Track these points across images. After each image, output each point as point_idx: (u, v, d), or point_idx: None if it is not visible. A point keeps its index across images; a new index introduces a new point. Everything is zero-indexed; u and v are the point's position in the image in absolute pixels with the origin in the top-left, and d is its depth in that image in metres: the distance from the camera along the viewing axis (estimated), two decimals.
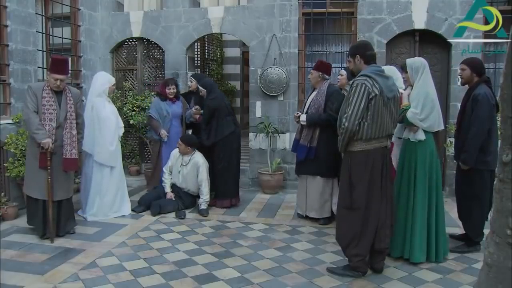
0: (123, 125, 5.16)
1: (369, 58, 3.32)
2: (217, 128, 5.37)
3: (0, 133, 4.84)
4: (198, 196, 5.37)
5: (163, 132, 5.57)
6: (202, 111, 5.48)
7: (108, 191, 4.93)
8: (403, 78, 3.80)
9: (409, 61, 3.73)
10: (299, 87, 6.43)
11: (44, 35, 6.01)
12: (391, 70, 4.06)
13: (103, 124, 4.83)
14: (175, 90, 5.67)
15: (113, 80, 5.04)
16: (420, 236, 3.58)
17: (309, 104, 4.80)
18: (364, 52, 3.31)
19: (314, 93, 4.84)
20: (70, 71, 5.66)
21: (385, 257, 3.51)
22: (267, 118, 6.28)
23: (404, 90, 3.85)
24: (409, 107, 3.57)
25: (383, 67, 3.52)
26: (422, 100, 3.56)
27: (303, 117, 4.73)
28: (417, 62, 3.67)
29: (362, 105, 3.14)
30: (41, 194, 4.14)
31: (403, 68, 3.75)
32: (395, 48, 6.25)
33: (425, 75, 3.64)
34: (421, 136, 3.59)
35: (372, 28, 6.09)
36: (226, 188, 5.46)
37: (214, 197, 5.47)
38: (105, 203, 4.93)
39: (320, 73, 4.77)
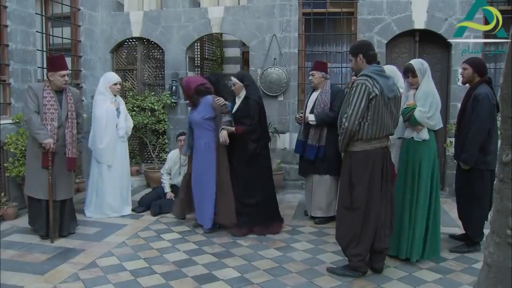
0: (125, 126, 5.07)
1: (371, 58, 3.32)
2: (261, 134, 4.42)
3: (0, 133, 4.84)
4: None
5: (184, 151, 4.85)
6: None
7: (107, 191, 4.94)
8: (408, 82, 3.76)
9: (416, 64, 3.65)
10: (299, 87, 6.43)
11: (44, 35, 6.02)
12: (391, 70, 4.05)
13: (96, 122, 4.93)
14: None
15: (112, 80, 5.00)
16: (418, 234, 3.59)
17: (314, 104, 4.77)
18: (366, 51, 3.31)
19: (316, 93, 4.82)
20: (69, 70, 5.66)
21: (385, 257, 3.50)
22: (267, 118, 6.26)
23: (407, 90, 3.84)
24: (415, 107, 3.57)
25: (383, 67, 3.51)
26: (430, 99, 3.57)
27: (311, 117, 4.70)
28: (424, 64, 3.67)
29: (362, 105, 3.14)
30: (44, 194, 4.14)
31: (410, 73, 3.67)
32: (395, 48, 6.25)
33: (429, 76, 3.65)
34: (425, 135, 3.59)
35: (372, 28, 6.09)
36: (272, 211, 4.58)
37: (247, 224, 4.40)
38: (104, 203, 4.96)
39: (323, 73, 4.79)
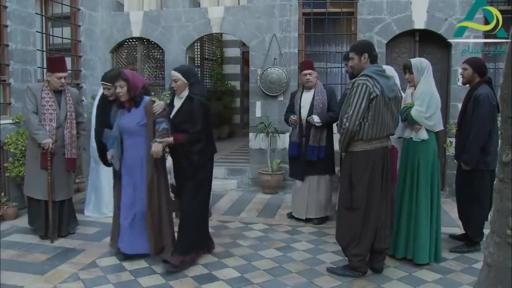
0: None
1: (374, 58, 3.34)
2: (206, 143, 3.58)
3: (0, 133, 4.84)
4: None
5: (109, 153, 3.75)
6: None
7: (105, 189, 4.95)
8: (407, 78, 3.77)
9: (414, 61, 3.71)
10: (299, 87, 6.42)
11: (44, 35, 6.02)
12: (389, 70, 4.06)
13: (92, 120, 4.98)
14: (124, 89, 3.52)
15: None
16: (423, 237, 3.58)
17: (311, 105, 4.71)
18: (371, 51, 3.32)
19: (309, 93, 4.77)
20: (69, 71, 5.67)
21: (385, 257, 3.50)
22: (267, 118, 6.27)
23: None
24: (413, 106, 3.58)
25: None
26: (428, 99, 3.56)
27: (316, 119, 4.62)
28: (423, 63, 3.67)
29: (363, 105, 3.14)
30: (43, 194, 4.14)
31: (407, 69, 3.71)
32: (395, 48, 6.25)
33: (429, 76, 3.64)
34: (424, 135, 3.59)
35: (372, 28, 6.09)
36: (202, 235, 3.81)
37: (178, 252, 3.56)
38: (102, 201, 4.98)
39: (315, 72, 4.82)
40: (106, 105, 4.03)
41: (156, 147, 3.37)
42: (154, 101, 3.60)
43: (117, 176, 3.76)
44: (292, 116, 4.81)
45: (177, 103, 3.61)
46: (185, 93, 3.57)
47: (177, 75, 3.54)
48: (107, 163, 3.92)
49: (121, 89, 3.50)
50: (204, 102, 3.57)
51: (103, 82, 4.15)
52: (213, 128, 3.83)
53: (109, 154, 3.73)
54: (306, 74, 4.76)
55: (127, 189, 3.63)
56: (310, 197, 4.81)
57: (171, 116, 3.60)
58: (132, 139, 3.58)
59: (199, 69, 8.41)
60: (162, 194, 3.62)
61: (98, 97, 5.04)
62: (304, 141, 4.77)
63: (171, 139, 3.45)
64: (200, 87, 3.68)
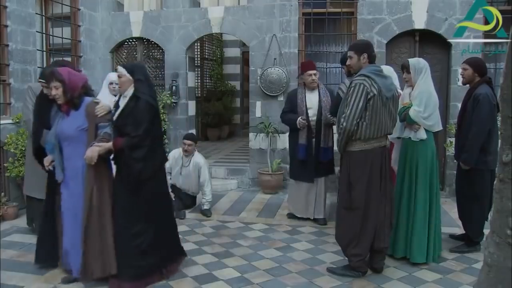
0: None
1: (373, 59, 3.35)
2: (151, 150, 3.12)
3: (0, 133, 4.85)
4: (195, 197, 5.37)
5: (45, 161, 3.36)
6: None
7: None
8: (404, 78, 3.78)
9: (412, 61, 3.71)
10: (299, 87, 6.42)
11: (44, 35, 6.02)
12: (388, 71, 4.06)
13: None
14: (59, 91, 3.09)
15: (109, 79, 4.96)
16: (420, 236, 3.58)
17: (319, 106, 4.67)
18: (371, 52, 3.34)
19: (313, 93, 4.74)
20: None
21: (385, 257, 3.51)
22: (267, 118, 6.28)
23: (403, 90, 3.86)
24: (411, 106, 3.58)
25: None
26: (425, 99, 3.57)
27: (332, 120, 4.61)
28: (421, 63, 3.67)
29: (360, 105, 3.14)
30: (44, 194, 4.13)
31: (405, 68, 3.73)
32: (395, 48, 6.25)
33: (427, 76, 3.65)
34: (423, 135, 3.60)
35: (372, 28, 6.09)
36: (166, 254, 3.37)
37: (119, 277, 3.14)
38: None
39: (318, 72, 4.82)
40: (46, 104, 3.55)
41: (91, 152, 2.95)
42: (97, 102, 3.20)
43: (52, 188, 3.37)
44: (300, 119, 4.63)
45: (122, 103, 3.19)
46: (130, 91, 3.15)
47: (121, 70, 3.17)
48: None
49: (57, 91, 3.06)
50: (152, 103, 3.15)
51: (41, 80, 3.65)
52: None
53: (47, 161, 3.28)
54: (311, 75, 4.69)
55: (68, 204, 3.20)
56: (318, 197, 4.81)
57: (114, 117, 3.16)
58: (71, 147, 3.14)
59: (199, 69, 8.40)
60: (106, 212, 3.14)
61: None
62: (314, 142, 4.70)
63: (109, 144, 3.03)
64: (151, 87, 3.25)
